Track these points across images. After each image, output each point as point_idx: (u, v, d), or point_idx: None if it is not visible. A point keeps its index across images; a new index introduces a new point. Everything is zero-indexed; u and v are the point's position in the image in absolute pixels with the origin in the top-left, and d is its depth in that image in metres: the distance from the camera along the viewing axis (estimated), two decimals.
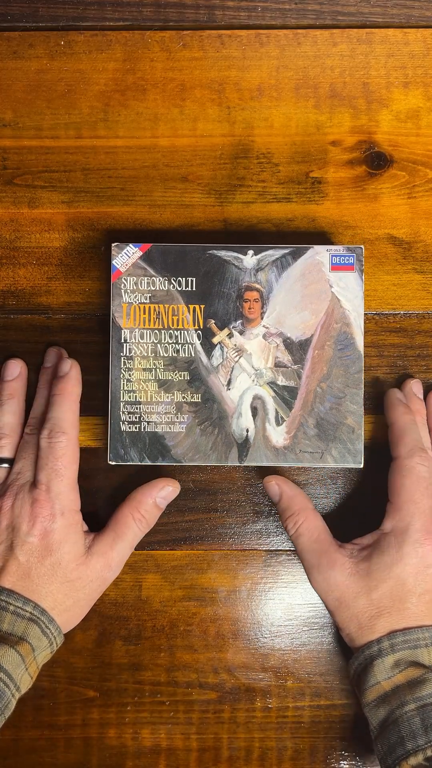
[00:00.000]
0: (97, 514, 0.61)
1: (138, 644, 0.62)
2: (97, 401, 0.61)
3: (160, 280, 0.56)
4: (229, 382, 0.56)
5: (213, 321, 0.56)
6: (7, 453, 0.59)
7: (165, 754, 0.62)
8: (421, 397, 0.61)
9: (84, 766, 0.62)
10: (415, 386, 0.61)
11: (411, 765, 0.51)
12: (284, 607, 0.62)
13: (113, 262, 0.56)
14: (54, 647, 0.56)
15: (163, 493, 0.59)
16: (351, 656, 0.57)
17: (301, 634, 0.62)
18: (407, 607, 0.55)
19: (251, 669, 0.62)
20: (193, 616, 0.62)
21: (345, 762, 0.62)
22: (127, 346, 0.56)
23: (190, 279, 0.56)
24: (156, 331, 0.56)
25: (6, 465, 0.59)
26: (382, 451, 0.61)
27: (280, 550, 0.62)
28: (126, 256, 0.57)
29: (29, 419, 0.60)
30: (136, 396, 0.56)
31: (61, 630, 0.56)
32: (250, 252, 0.57)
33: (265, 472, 0.62)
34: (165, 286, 0.56)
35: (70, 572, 0.56)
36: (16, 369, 0.61)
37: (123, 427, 0.56)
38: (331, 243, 0.61)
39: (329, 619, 0.62)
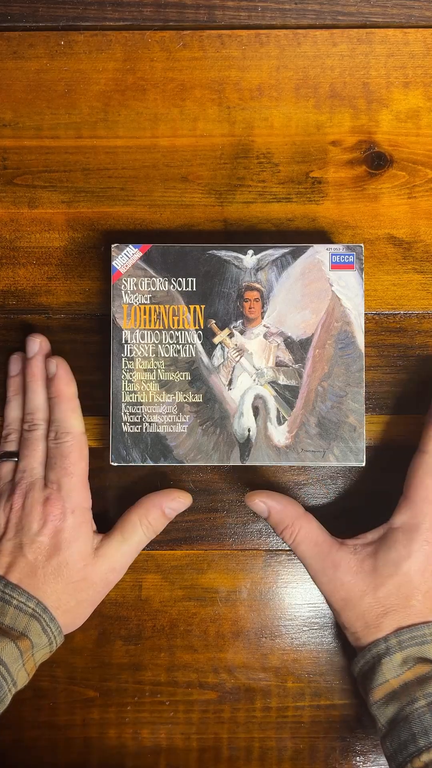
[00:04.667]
0: (101, 514, 0.61)
1: (138, 644, 0.62)
2: (97, 401, 0.61)
3: (160, 280, 0.56)
4: (230, 382, 0.56)
5: (213, 321, 0.56)
6: (16, 447, 0.59)
7: (165, 754, 0.62)
8: None
9: (84, 766, 0.62)
10: None
11: (423, 761, 0.51)
12: (284, 607, 0.62)
13: (113, 263, 0.56)
14: (53, 647, 0.56)
15: (174, 504, 0.58)
16: (355, 655, 0.57)
17: (301, 634, 0.62)
18: (413, 605, 0.55)
19: (251, 669, 0.62)
20: (193, 616, 0.62)
21: (345, 762, 0.62)
22: (128, 347, 0.56)
23: (190, 279, 0.56)
24: (157, 331, 0.56)
25: (16, 459, 0.59)
26: (383, 450, 0.61)
27: (280, 550, 0.62)
28: (126, 257, 0.56)
29: (25, 416, 0.59)
30: (137, 397, 0.56)
31: (62, 630, 0.56)
32: (250, 252, 0.57)
33: (266, 471, 0.62)
34: (165, 287, 0.56)
35: (76, 572, 0.56)
36: (20, 364, 0.61)
37: (125, 428, 0.56)
38: (332, 243, 0.61)
39: (329, 619, 0.62)
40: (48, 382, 0.59)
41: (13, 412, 0.60)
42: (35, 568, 0.55)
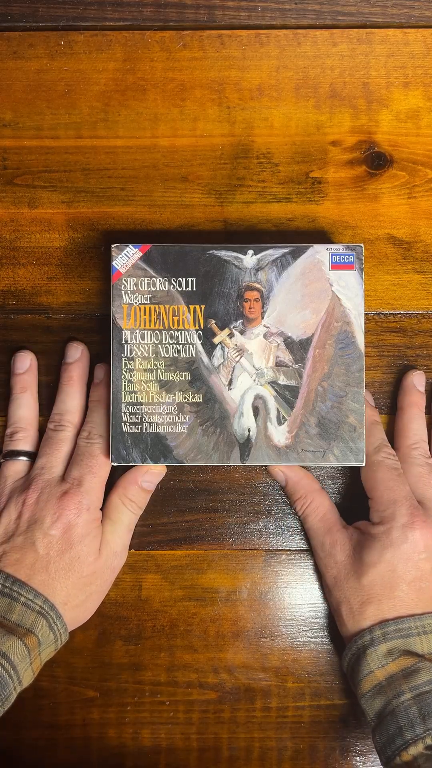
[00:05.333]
0: None
1: (138, 644, 0.62)
2: None
3: (160, 280, 0.56)
4: (230, 382, 0.56)
5: (213, 321, 0.56)
6: (25, 446, 0.60)
7: (165, 754, 0.62)
8: (421, 389, 0.61)
9: (84, 766, 0.62)
10: (416, 378, 0.61)
11: (411, 755, 0.51)
12: (284, 607, 0.62)
13: (113, 263, 0.56)
14: (58, 644, 0.56)
15: (148, 476, 0.59)
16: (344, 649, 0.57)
17: (301, 634, 0.62)
18: (397, 595, 0.55)
19: (251, 669, 0.62)
20: (193, 616, 0.62)
21: (345, 762, 0.62)
22: (128, 347, 0.56)
23: (190, 279, 0.56)
24: (157, 331, 0.56)
25: (24, 458, 0.59)
26: None
27: (280, 550, 0.62)
28: (126, 257, 0.56)
29: (53, 415, 0.60)
30: (137, 397, 0.56)
31: (67, 627, 0.56)
32: (250, 252, 0.57)
33: (266, 471, 0.62)
34: (165, 287, 0.56)
35: (87, 566, 0.56)
36: (26, 361, 0.61)
37: (125, 428, 0.56)
38: (332, 243, 0.61)
39: (329, 619, 0.62)
40: (92, 387, 0.60)
41: (20, 410, 0.60)
42: (47, 563, 0.55)
